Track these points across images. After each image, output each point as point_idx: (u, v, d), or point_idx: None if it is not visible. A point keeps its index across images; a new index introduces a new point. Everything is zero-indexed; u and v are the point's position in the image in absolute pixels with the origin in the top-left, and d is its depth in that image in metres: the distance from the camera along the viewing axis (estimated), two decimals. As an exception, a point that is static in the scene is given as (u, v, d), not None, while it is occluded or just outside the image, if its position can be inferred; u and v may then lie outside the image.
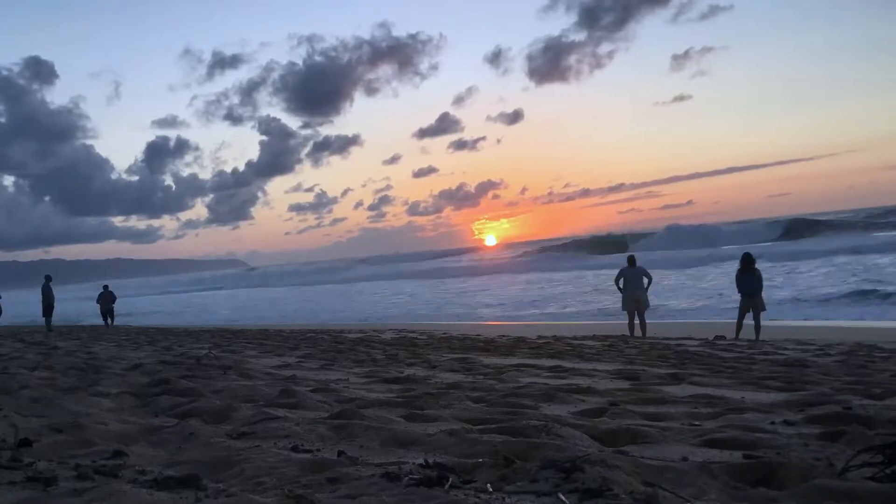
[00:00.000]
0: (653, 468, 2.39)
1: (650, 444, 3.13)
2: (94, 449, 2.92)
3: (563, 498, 2.05)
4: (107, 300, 22.94)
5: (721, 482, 2.33)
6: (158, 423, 3.64)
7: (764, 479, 2.40)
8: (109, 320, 23.00)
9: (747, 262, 12.79)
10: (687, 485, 2.27)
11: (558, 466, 2.30)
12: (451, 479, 2.22)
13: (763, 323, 12.44)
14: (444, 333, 14.60)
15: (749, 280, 12.60)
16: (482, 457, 2.66)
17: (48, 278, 21.59)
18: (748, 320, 12.46)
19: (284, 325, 21.59)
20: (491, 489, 2.17)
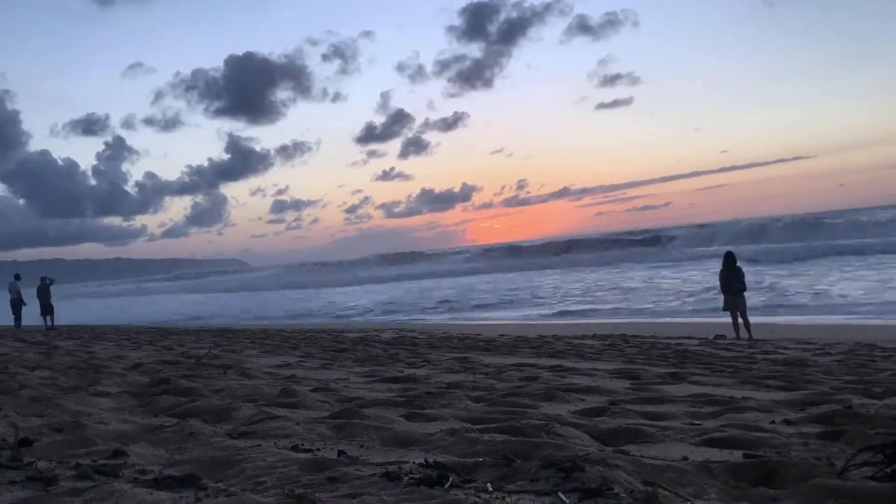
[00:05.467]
0: (653, 467, 2.39)
1: (650, 444, 3.13)
2: (95, 448, 2.92)
3: (563, 497, 2.05)
4: (45, 294, 20.20)
5: (721, 481, 2.33)
6: (159, 423, 3.64)
7: (764, 479, 2.40)
8: (49, 320, 20.12)
9: (731, 261, 12.93)
10: (687, 484, 2.27)
11: (558, 466, 2.30)
12: (451, 479, 2.21)
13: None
14: (445, 333, 14.61)
15: (735, 279, 12.73)
16: (482, 456, 2.66)
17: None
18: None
19: (285, 325, 21.59)
20: (491, 488, 2.17)
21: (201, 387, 5.20)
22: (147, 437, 3.28)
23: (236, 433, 3.35)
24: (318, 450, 2.92)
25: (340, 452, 2.79)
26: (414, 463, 2.52)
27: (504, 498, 2.08)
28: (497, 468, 2.41)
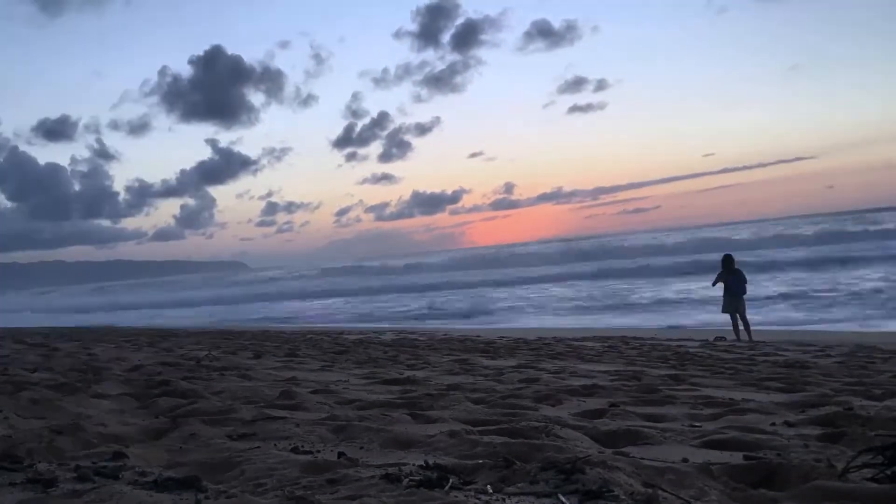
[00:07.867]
0: (653, 469, 2.39)
1: (650, 446, 3.13)
2: (95, 450, 2.92)
3: (563, 499, 2.05)
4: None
5: (721, 483, 2.33)
6: (158, 425, 3.64)
7: (764, 481, 2.40)
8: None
9: (730, 262, 12.89)
10: (687, 486, 2.27)
11: (558, 468, 2.30)
12: (451, 481, 2.22)
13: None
14: (444, 335, 14.61)
15: (736, 281, 12.68)
16: (482, 458, 2.66)
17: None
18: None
19: (285, 327, 21.59)
20: (491, 490, 2.17)
21: (201, 389, 5.19)
22: (147, 439, 3.28)
23: (236, 435, 3.35)
24: (318, 451, 2.92)
25: (340, 454, 2.79)
26: (414, 465, 2.52)
27: (504, 500, 2.08)
28: (497, 470, 2.41)
